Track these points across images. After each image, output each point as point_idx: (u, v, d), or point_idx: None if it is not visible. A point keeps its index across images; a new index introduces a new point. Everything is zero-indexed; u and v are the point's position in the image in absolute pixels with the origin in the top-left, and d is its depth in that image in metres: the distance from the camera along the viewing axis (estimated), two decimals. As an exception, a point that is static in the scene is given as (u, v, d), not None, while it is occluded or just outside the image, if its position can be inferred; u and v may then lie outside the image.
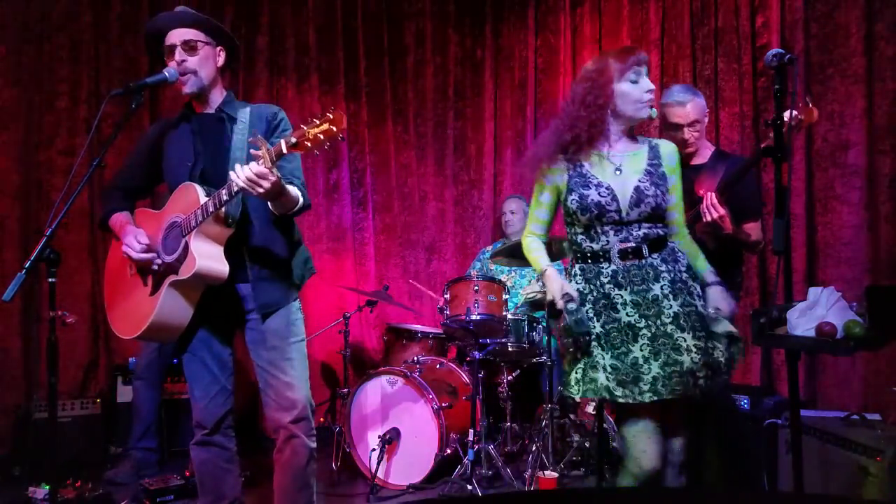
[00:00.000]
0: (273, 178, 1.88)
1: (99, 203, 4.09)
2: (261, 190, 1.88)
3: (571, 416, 3.54)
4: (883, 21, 3.33)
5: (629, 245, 2.00)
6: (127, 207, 2.31)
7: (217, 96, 2.26)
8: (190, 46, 2.16)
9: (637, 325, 1.96)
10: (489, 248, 4.44)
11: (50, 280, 2.02)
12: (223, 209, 2.02)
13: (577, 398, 2.02)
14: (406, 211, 5.08)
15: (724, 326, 1.99)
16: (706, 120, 2.87)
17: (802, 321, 1.89)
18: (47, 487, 3.01)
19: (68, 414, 3.64)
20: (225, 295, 2.16)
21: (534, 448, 3.32)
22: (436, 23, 5.19)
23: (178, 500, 3.13)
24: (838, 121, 3.48)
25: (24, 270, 1.90)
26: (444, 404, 3.32)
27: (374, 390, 3.46)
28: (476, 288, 3.43)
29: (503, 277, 3.88)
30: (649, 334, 1.94)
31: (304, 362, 2.25)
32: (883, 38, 3.34)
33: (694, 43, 4.07)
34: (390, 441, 3.30)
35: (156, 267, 2.11)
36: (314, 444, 2.22)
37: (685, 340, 1.93)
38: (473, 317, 3.37)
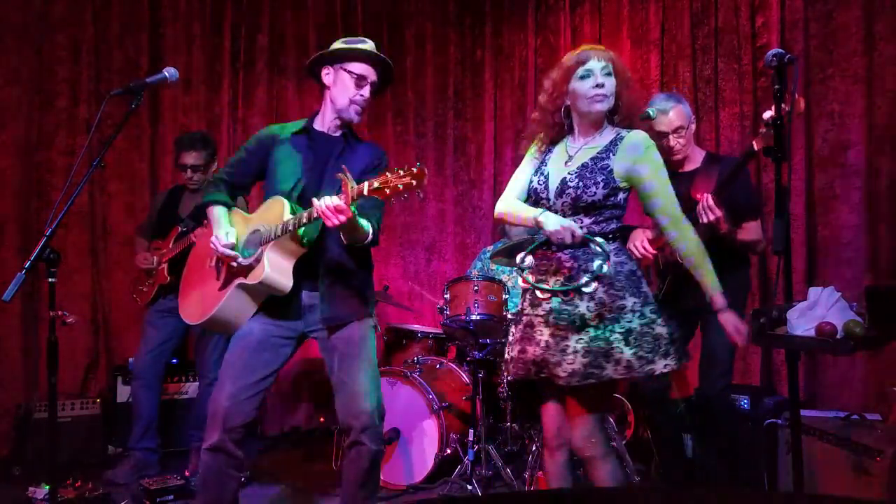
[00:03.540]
0: (349, 215, 2.03)
1: (101, 204, 4.12)
2: (336, 222, 2.02)
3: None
4: (883, 21, 3.33)
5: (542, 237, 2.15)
6: (228, 201, 2.42)
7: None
8: (372, 87, 2.36)
9: (524, 310, 2.15)
10: (490, 247, 4.43)
11: (50, 280, 2.02)
12: (300, 230, 2.16)
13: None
14: (406, 211, 5.08)
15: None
16: (692, 126, 2.87)
17: (802, 321, 1.89)
18: (47, 487, 3.01)
19: (68, 414, 3.64)
20: (295, 304, 2.29)
21: (534, 448, 3.32)
22: (436, 23, 5.19)
23: (178, 500, 3.13)
24: (838, 121, 3.48)
25: (24, 270, 1.90)
26: (444, 404, 3.32)
27: (374, 390, 3.46)
28: (476, 288, 3.43)
29: (503, 277, 3.88)
30: (525, 321, 2.13)
31: (374, 373, 2.33)
32: (883, 38, 3.33)
33: (694, 43, 4.06)
34: (390, 441, 3.30)
35: (234, 265, 2.24)
36: (379, 447, 2.31)
37: (541, 334, 2.07)
38: (473, 317, 3.36)
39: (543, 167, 2.19)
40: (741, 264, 2.87)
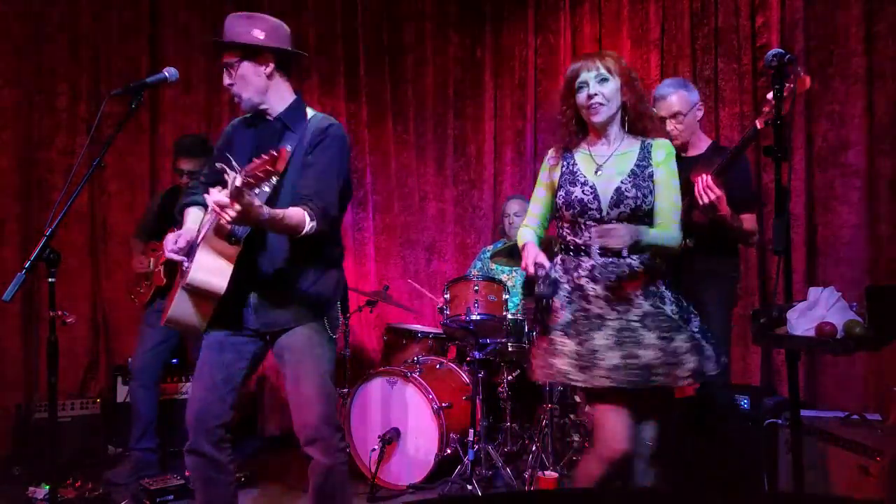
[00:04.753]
0: (237, 209, 1.81)
1: (101, 203, 4.12)
2: (227, 218, 1.84)
3: (571, 416, 3.54)
4: (883, 21, 3.33)
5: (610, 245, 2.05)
6: (201, 201, 2.28)
7: (277, 104, 2.24)
8: (230, 68, 2.18)
9: (606, 316, 2.03)
10: (490, 247, 4.44)
11: (50, 280, 2.02)
12: (229, 226, 2.00)
13: (541, 380, 2.16)
14: (406, 211, 5.08)
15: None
16: (697, 113, 2.84)
17: (802, 321, 1.89)
18: (47, 487, 3.01)
19: (68, 414, 3.64)
20: (241, 307, 2.17)
21: (534, 448, 3.32)
22: (436, 23, 5.19)
23: (178, 501, 3.13)
24: (838, 121, 3.48)
25: (24, 270, 1.90)
26: (444, 404, 3.32)
27: (374, 390, 3.46)
28: (476, 288, 3.43)
29: (503, 277, 3.88)
30: (616, 326, 2.01)
31: (319, 382, 2.19)
32: (883, 38, 3.33)
33: (694, 43, 4.06)
34: (390, 441, 3.30)
35: (184, 268, 2.13)
36: (332, 461, 2.18)
37: (648, 338, 1.99)
38: (473, 317, 3.36)
39: (578, 177, 2.12)
40: (731, 254, 2.87)
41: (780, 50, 2.06)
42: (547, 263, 2.03)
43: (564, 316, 2.08)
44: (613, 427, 2.02)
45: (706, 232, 2.69)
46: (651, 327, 2.01)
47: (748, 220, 2.77)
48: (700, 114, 2.87)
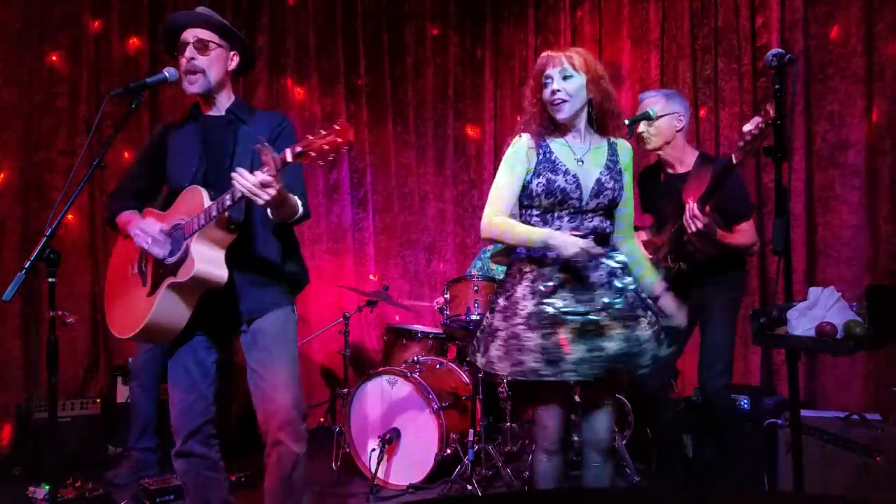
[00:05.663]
0: (277, 187, 1.86)
1: (101, 203, 4.11)
2: (266, 198, 1.86)
3: (572, 416, 3.54)
4: (883, 21, 3.33)
5: (579, 233, 2.06)
6: (135, 206, 2.29)
7: (224, 99, 2.25)
8: (202, 45, 2.15)
9: (560, 311, 2.02)
10: (490, 247, 4.43)
11: (50, 280, 2.01)
12: (226, 213, 2.00)
13: (504, 375, 2.14)
14: (406, 211, 5.09)
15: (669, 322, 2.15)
16: (675, 123, 2.82)
17: (802, 321, 1.89)
18: (47, 487, 3.01)
19: (68, 414, 3.63)
20: (218, 299, 2.13)
21: (534, 448, 3.31)
22: (436, 23, 5.19)
23: (178, 500, 3.13)
24: (838, 121, 3.48)
25: (24, 270, 1.89)
26: (444, 404, 3.32)
27: (374, 390, 3.46)
28: (476, 288, 3.43)
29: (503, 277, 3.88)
30: (569, 324, 2.00)
31: (292, 366, 2.20)
32: (883, 38, 3.33)
33: (694, 43, 4.06)
34: (390, 441, 3.30)
35: (168, 262, 2.07)
36: (301, 450, 2.16)
37: (612, 329, 2.00)
38: (473, 317, 3.37)
39: (559, 166, 2.09)
40: (736, 266, 2.86)
41: (780, 50, 2.06)
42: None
43: (526, 307, 2.06)
44: (548, 424, 2.11)
45: (708, 248, 2.68)
46: (615, 316, 2.01)
47: (745, 234, 2.75)
48: (679, 125, 2.83)
